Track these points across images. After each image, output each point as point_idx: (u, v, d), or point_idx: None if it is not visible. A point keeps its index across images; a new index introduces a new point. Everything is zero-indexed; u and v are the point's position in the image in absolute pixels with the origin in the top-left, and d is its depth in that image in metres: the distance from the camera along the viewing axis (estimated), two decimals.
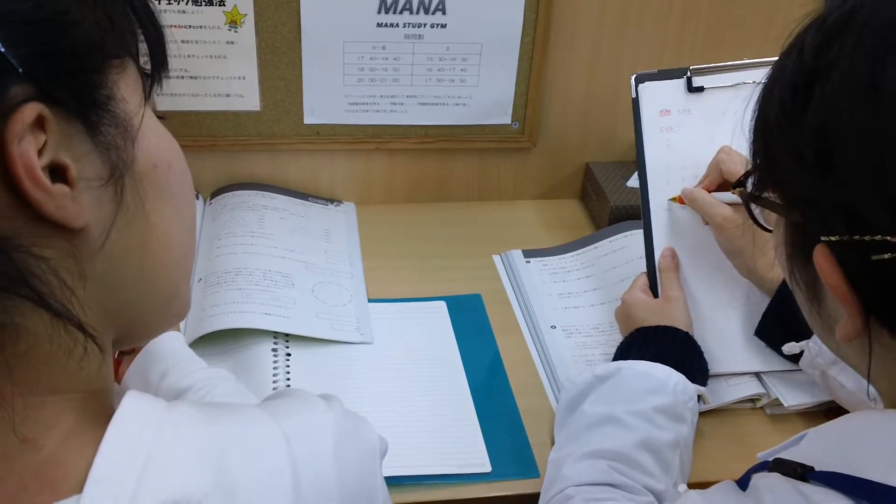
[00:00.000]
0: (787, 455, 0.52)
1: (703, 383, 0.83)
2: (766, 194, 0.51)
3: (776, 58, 0.88)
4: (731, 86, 0.90)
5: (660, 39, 1.18)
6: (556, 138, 1.25)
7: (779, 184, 0.50)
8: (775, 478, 0.50)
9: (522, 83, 1.18)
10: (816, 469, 0.48)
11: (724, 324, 0.91)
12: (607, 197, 1.17)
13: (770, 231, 0.54)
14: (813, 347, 0.82)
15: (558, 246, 1.17)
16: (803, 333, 0.82)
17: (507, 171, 1.27)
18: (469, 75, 1.16)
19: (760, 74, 0.86)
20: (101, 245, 0.40)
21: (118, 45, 0.40)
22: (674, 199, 0.93)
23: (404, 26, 1.11)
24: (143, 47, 0.44)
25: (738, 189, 0.58)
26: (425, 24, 1.11)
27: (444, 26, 1.11)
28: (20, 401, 0.38)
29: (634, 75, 0.93)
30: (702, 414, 0.87)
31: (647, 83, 0.93)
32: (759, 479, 0.51)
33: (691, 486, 0.74)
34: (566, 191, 1.31)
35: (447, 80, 1.16)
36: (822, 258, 0.45)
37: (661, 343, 0.84)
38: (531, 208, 1.28)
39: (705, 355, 0.86)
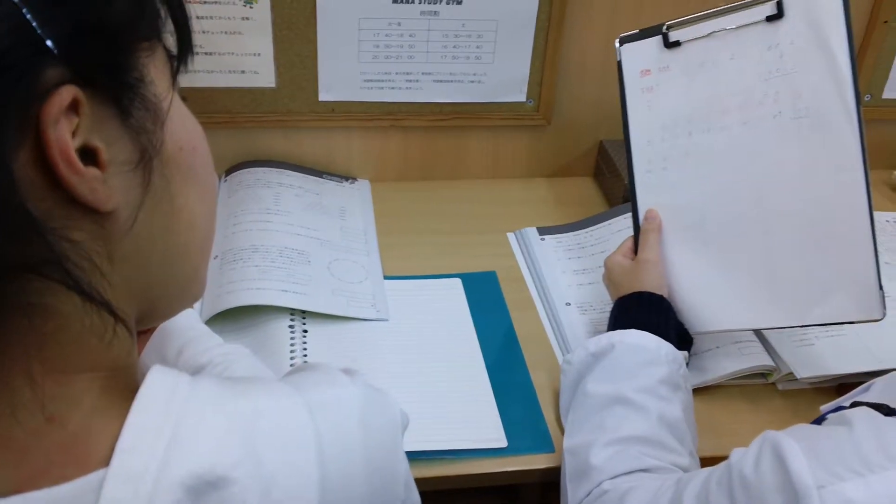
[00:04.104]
0: (861, 399, 0.53)
1: (682, 347, 0.83)
2: None
3: (746, 0, 0.84)
4: (706, 35, 0.87)
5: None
6: (570, 116, 1.25)
7: None
8: (863, 409, 0.50)
9: (538, 60, 1.17)
10: None
11: (718, 280, 0.87)
12: (621, 174, 1.17)
13: None
14: None
15: (573, 223, 1.17)
16: None
17: (522, 149, 1.27)
18: (484, 52, 1.15)
19: (735, 20, 0.85)
20: (129, 227, 0.40)
21: (148, 27, 0.41)
22: None
23: (420, 2, 1.10)
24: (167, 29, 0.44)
25: None
26: (441, 1, 1.10)
27: (459, 3, 1.11)
28: (49, 378, 0.38)
29: (618, 37, 0.92)
30: (714, 389, 0.87)
31: (627, 44, 0.92)
32: (842, 412, 0.52)
33: (707, 460, 0.75)
34: (580, 168, 1.30)
35: (462, 57, 1.15)
36: None
37: (638, 312, 0.84)
38: (545, 186, 1.28)
39: (701, 314, 0.86)
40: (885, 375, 0.56)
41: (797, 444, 0.53)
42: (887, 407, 0.50)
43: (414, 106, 1.19)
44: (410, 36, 1.13)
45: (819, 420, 0.56)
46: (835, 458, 0.50)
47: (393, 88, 1.17)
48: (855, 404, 0.53)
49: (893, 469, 0.48)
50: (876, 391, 0.56)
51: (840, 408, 0.55)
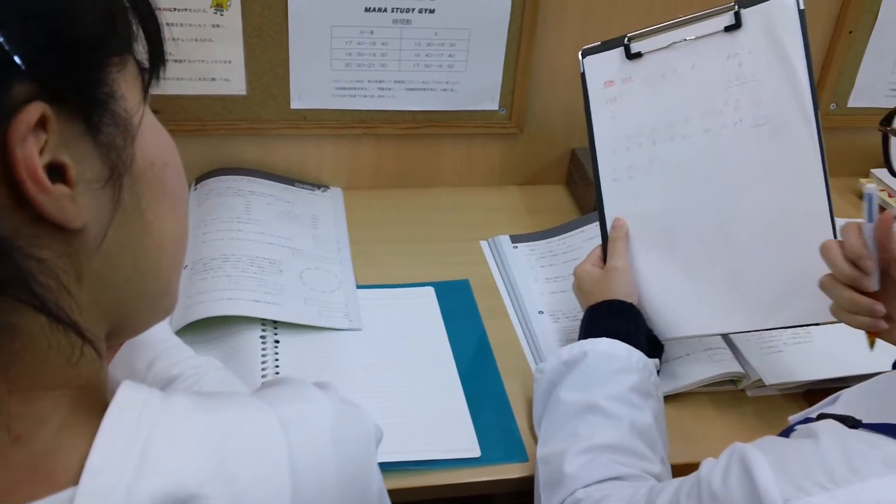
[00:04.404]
0: (828, 411, 0.53)
1: (653, 354, 0.84)
2: None
3: (708, 10, 0.86)
4: (667, 46, 0.89)
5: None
6: (542, 124, 1.25)
7: None
8: (829, 421, 0.51)
9: (510, 69, 1.18)
10: (865, 422, 0.49)
11: (685, 286, 0.88)
12: (592, 182, 1.18)
13: None
14: None
15: (545, 230, 1.17)
16: None
17: (494, 157, 1.27)
18: (457, 61, 1.16)
19: (694, 31, 0.87)
20: (98, 245, 0.39)
21: (119, 41, 0.40)
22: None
23: (392, 11, 1.10)
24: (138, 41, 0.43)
25: (884, 127, 0.57)
26: (413, 9, 1.10)
27: (432, 11, 1.11)
28: (15, 397, 0.37)
29: (581, 50, 0.93)
30: (685, 396, 0.88)
31: (590, 56, 0.93)
32: (809, 425, 0.52)
33: (678, 467, 0.76)
34: (552, 176, 1.31)
35: (435, 65, 1.15)
36: None
37: (608, 320, 0.85)
38: (518, 194, 1.29)
39: (670, 320, 0.87)
40: (852, 387, 0.57)
41: (764, 457, 0.53)
42: (853, 419, 0.51)
43: (386, 114, 1.19)
44: (383, 44, 1.13)
45: (787, 431, 0.57)
46: (801, 471, 0.51)
47: (365, 96, 1.16)
48: (822, 416, 0.54)
49: (859, 482, 0.49)
50: (842, 403, 0.57)
51: (807, 419, 0.56)
